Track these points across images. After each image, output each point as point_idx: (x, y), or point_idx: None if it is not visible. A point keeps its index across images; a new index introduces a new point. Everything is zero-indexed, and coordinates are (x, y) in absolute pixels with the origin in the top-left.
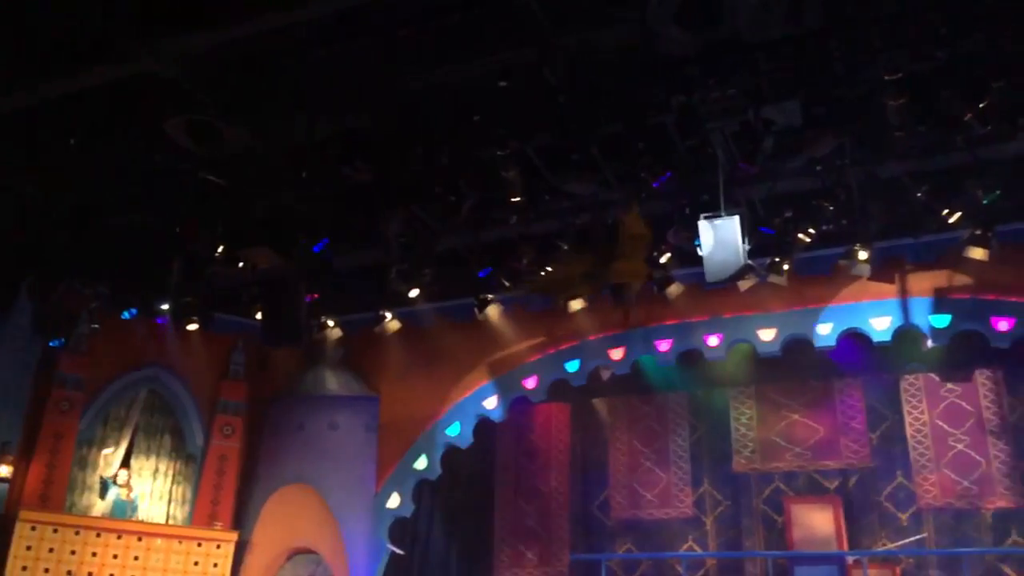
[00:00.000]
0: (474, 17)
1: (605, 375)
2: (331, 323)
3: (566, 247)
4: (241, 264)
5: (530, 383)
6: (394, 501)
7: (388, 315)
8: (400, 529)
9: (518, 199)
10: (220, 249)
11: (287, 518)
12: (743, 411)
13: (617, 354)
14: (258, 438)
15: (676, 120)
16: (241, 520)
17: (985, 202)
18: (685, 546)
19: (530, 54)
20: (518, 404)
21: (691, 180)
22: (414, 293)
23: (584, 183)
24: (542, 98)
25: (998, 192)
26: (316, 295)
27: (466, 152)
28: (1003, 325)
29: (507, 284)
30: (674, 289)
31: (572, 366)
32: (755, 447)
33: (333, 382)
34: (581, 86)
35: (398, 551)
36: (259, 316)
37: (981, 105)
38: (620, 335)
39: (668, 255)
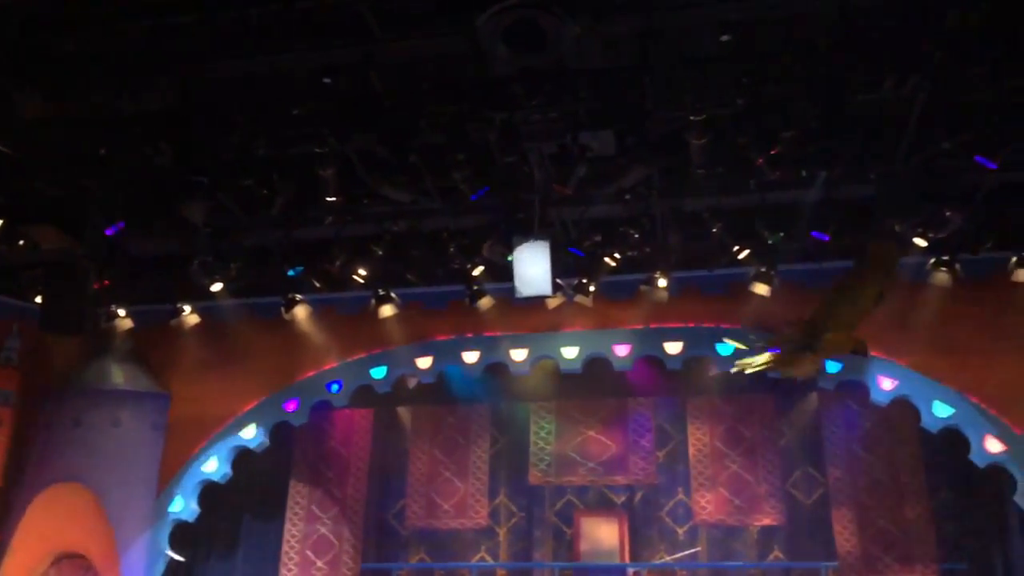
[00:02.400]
0: (301, 10)
1: (411, 383)
2: (122, 312)
3: (381, 252)
4: (22, 242)
5: (334, 387)
6: (177, 505)
7: (187, 308)
8: (183, 534)
9: (334, 199)
10: None
11: (54, 520)
12: (543, 425)
13: (424, 363)
14: (30, 433)
15: (497, 136)
16: (2, 521)
17: (770, 242)
18: (477, 556)
19: (357, 54)
20: (320, 409)
21: (508, 197)
22: (217, 287)
23: (402, 190)
24: (366, 100)
25: (781, 234)
26: (107, 282)
27: (283, 146)
28: None
29: (317, 284)
30: (485, 302)
31: (378, 372)
32: (551, 461)
33: (119, 376)
34: (405, 92)
35: (178, 557)
36: (39, 300)
37: (772, 152)
38: (427, 344)
39: (481, 268)
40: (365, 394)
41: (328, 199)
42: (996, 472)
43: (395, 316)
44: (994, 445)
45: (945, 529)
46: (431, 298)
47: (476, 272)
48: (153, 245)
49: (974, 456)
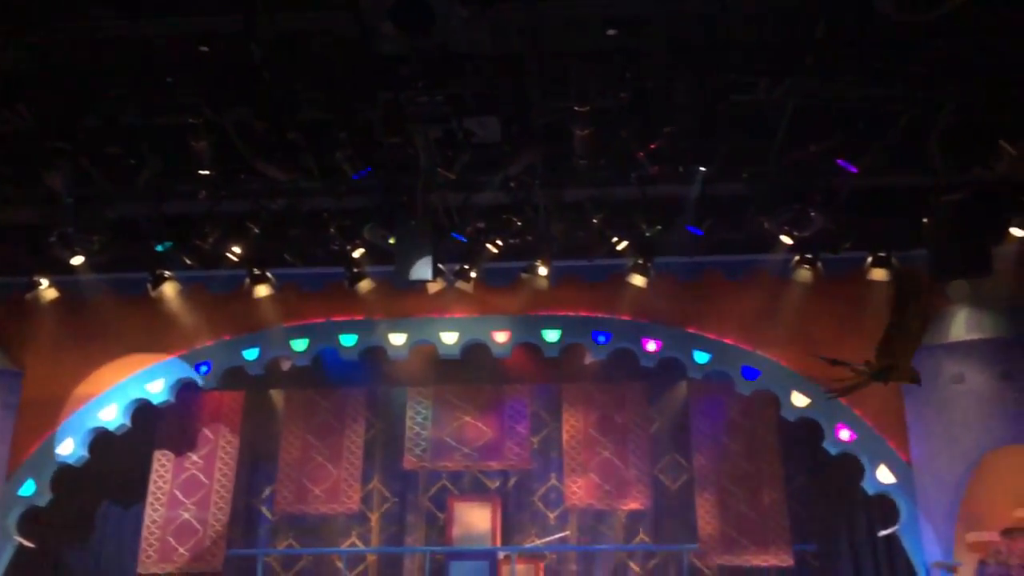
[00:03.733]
0: None
1: (285, 366)
2: None
3: (257, 230)
4: None
5: (202, 368)
6: (28, 488)
7: (44, 282)
8: (34, 519)
9: (207, 173)
10: None
11: None
12: (419, 410)
13: (299, 345)
14: None
15: (381, 117)
16: None
17: (648, 235)
18: (348, 542)
19: (237, 23)
20: (187, 390)
21: (391, 179)
22: (77, 260)
23: (281, 167)
24: (245, 72)
25: (659, 227)
26: None
27: (154, 114)
28: (651, 346)
29: (188, 261)
30: (364, 285)
31: (251, 354)
32: (427, 446)
33: None
34: (287, 66)
35: (27, 543)
36: None
37: (652, 147)
38: (303, 326)
39: (361, 251)
40: (236, 376)
41: (201, 172)
42: (847, 459)
43: (270, 296)
44: (845, 434)
45: (798, 513)
46: (309, 279)
47: (356, 254)
48: (9, 214)
49: (827, 444)
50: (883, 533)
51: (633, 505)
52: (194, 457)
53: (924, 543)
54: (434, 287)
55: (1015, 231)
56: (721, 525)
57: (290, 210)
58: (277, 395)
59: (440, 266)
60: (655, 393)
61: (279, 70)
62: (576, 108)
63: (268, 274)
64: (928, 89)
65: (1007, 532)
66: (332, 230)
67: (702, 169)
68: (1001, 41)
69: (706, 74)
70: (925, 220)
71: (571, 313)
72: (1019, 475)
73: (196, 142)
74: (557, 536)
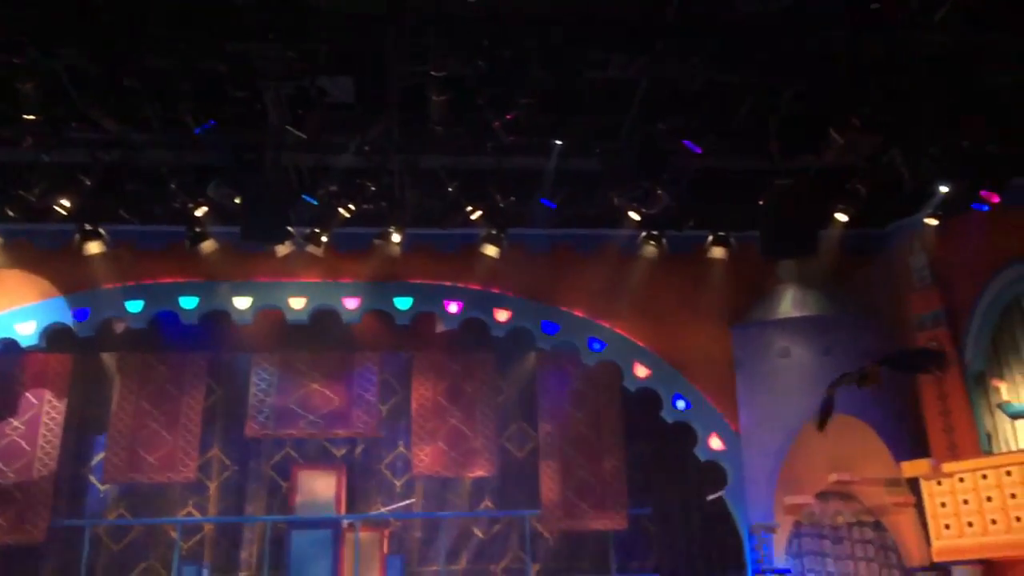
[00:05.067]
0: None
1: (119, 328)
2: None
3: (89, 183)
4: None
5: (25, 328)
6: None
7: None
8: None
9: (33, 118)
10: None
11: None
12: (264, 376)
13: (135, 307)
14: None
15: (229, 69)
16: None
17: (502, 206)
18: (184, 511)
19: None
20: (8, 352)
21: (238, 135)
22: None
23: (117, 116)
24: (80, 12)
25: (513, 198)
26: None
27: None
28: (502, 316)
29: (11, 214)
30: (208, 246)
31: (80, 315)
32: (271, 413)
33: None
34: (128, 9)
35: None
36: None
37: (508, 117)
38: (138, 287)
39: (205, 209)
40: (63, 337)
41: (26, 117)
42: (682, 428)
43: (103, 254)
44: (682, 403)
45: (636, 478)
46: (146, 237)
47: (199, 213)
48: None
49: (665, 413)
50: (711, 497)
51: (479, 473)
52: (15, 423)
53: (748, 506)
54: (283, 250)
55: (839, 216)
56: (563, 491)
57: (126, 163)
58: (109, 359)
59: (290, 228)
60: (504, 363)
61: (119, 12)
62: (433, 73)
63: (100, 230)
64: (769, 78)
65: (821, 495)
66: (173, 186)
67: (557, 143)
68: (837, 36)
69: (561, 48)
70: (760, 202)
71: (423, 281)
72: (834, 442)
73: (22, 84)
74: (403, 504)
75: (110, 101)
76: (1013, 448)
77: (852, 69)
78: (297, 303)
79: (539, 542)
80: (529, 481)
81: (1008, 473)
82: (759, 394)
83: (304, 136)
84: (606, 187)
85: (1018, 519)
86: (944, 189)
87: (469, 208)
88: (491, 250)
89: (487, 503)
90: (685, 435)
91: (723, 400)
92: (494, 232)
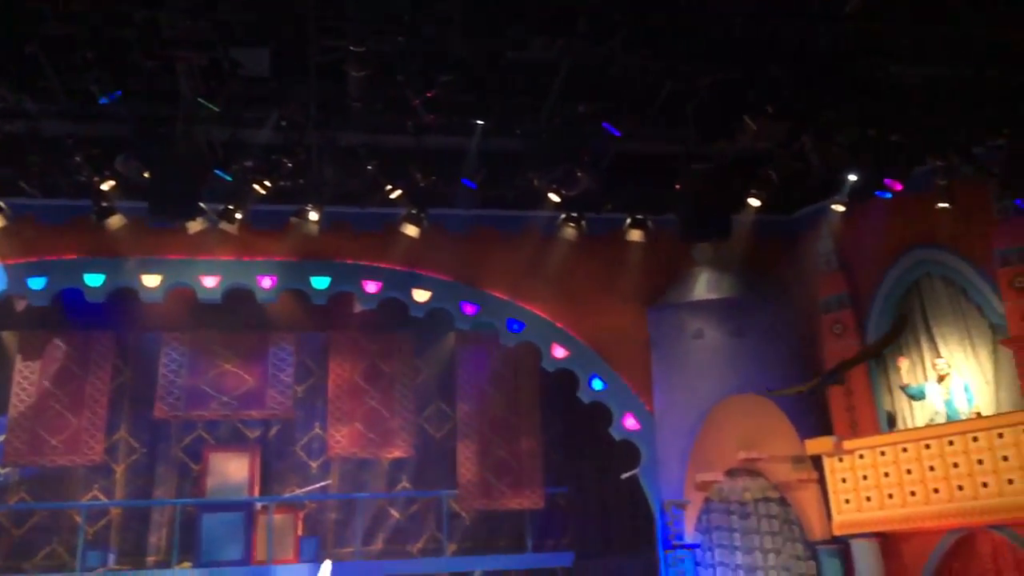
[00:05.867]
0: None
1: (19, 306)
2: None
3: None
4: None
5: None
6: None
7: None
8: None
9: None
10: None
11: None
12: (174, 357)
13: (37, 284)
14: None
15: (137, 37)
16: None
17: (422, 185)
18: (89, 495)
19: None
20: None
21: (148, 107)
22: None
23: (17, 85)
24: None
25: (433, 178)
26: None
27: None
28: (421, 296)
29: None
30: (115, 221)
31: None
32: (181, 394)
33: None
34: None
35: None
36: None
37: (428, 95)
38: (41, 263)
39: (112, 183)
40: None
41: None
42: (598, 408)
43: (3, 229)
44: (598, 383)
45: (553, 458)
46: (50, 212)
47: (105, 187)
48: None
49: (581, 393)
50: (625, 475)
51: (397, 453)
52: None
53: (660, 484)
54: (195, 226)
55: (752, 201)
56: (480, 471)
57: (29, 134)
58: (10, 337)
59: (202, 204)
60: (423, 343)
61: None
62: (352, 48)
63: (1, 204)
64: (686, 63)
65: (730, 472)
66: (78, 159)
67: (479, 123)
68: (751, 23)
69: (483, 25)
70: (677, 186)
71: (341, 260)
72: (743, 421)
73: None
74: (318, 485)
75: (10, 69)
76: (911, 426)
77: (765, 57)
78: (210, 281)
79: (456, 522)
80: (447, 461)
81: (904, 450)
82: (673, 374)
83: (217, 109)
84: (527, 168)
85: (913, 493)
86: (852, 177)
87: (389, 187)
88: (411, 230)
89: (404, 484)
90: (601, 415)
91: (638, 380)
92: (414, 212)
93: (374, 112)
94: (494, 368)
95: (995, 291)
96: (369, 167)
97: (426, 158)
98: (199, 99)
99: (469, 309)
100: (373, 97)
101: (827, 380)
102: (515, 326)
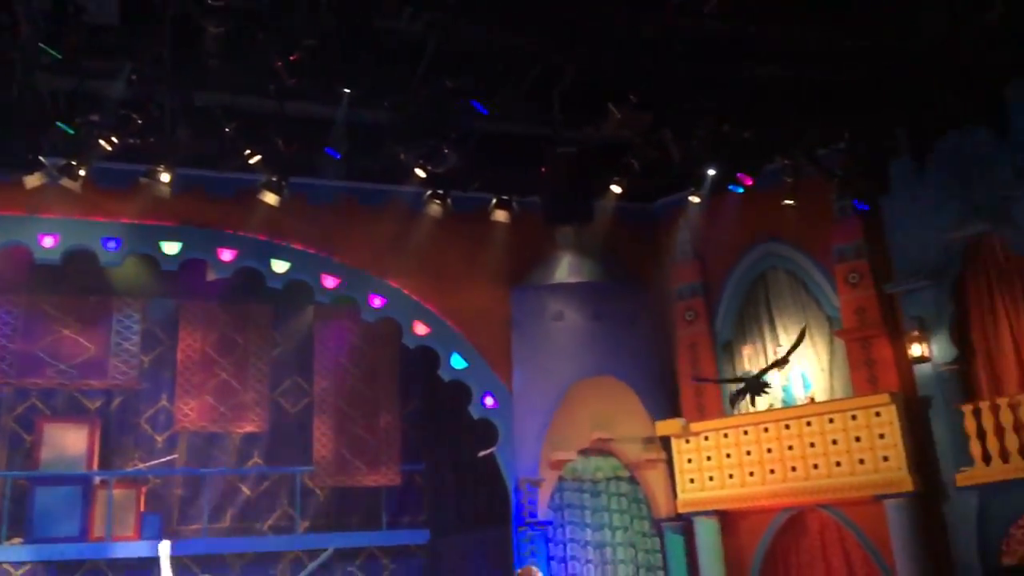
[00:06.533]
0: None
1: None
2: None
3: None
4: None
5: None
6: None
7: None
8: None
9: None
10: None
11: None
12: (7, 320)
13: None
14: None
15: None
16: None
17: (283, 152)
18: None
19: None
20: None
21: None
22: None
23: None
24: None
25: (296, 145)
26: None
27: None
28: (280, 267)
29: None
30: None
31: None
32: (14, 360)
33: None
34: None
35: None
36: None
37: (292, 58)
38: None
39: None
40: None
41: None
42: (458, 385)
43: None
44: (459, 362)
45: (411, 435)
46: None
47: None
48: None
49: (442, 371)
50: (483, 454)
51: (249, 428)
52: None
53: (517, 462)
54: (32, 181)
55: (615, 188)
56: (336, 447)
57: None
58: None
59: (42, 159)
60: (281, 315)
61: None
62: (210, 2)
63: None
64: (554, 47)
65: (584, 452)
66: None
67: (347, 91)
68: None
69: None
70: (543, 169)
71: (194, 226)
72: (598, 402)
73: None
74: (163, 460)
75: None
76: (752, 411)
77: (630, 47)
78: (48, 241)
79: (309, 499)
80: (302, 437)
81: (745, 432)
82: (533, 355)
83: (59, 56)
84: (393, 141)
85: (751, 474)
86: (711, 172)
87: (248, 152)
88: (270, 198)
89: (256, 460)
90: (461, 393)
91: (499, 360)
92: (274, 179)
93: (234, 72)
94: (354, 343)
95: (832, 285)
96: (227, 129)
97: (289, 124)
98: (40, 44)
99: (329, 282)
100: (233, 56)
101: (748, 391)
102: (377, 301)
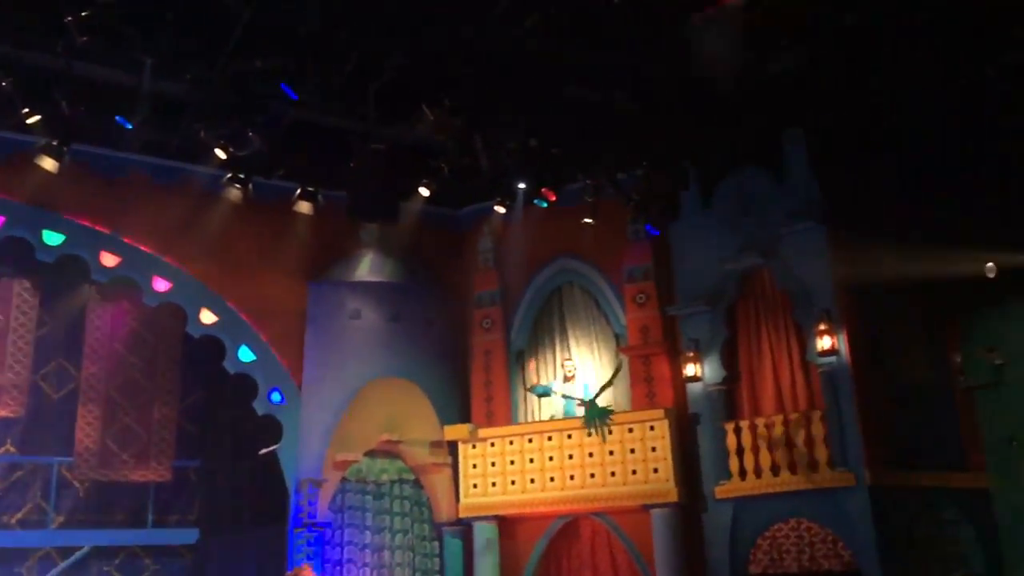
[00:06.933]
0: None
1: None
2: None
3: None
4: None
5: None
6: None
7: None
8: None
9: None
10: None
11: None
12: None
13: None
14: None
15: None
16: None
17: (67, 115)
18: None
19: None
20: None
21: None
22: None
23: None
24: None
25: (83, 109)
26: None
27: None
28: (53, 240)
29: None
30: None
31: None
32: None
33: None
34: None
35: None
36: None
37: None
38: None
39: None
40: None
41: None
42: (244, 379)
43: None
44: (247, 354)
45: (189, 429)
46: None
47: None
48: None
49: (228, 363)
50: (264, 451)
51: (3, 412)
52: None
53: (300, 461)
54: None
55: (423, 190)
56: (102, 438)
57: None
58: None
59: None
60: (51, 292)
61: None
62: None
63: None
64: (378, 40)
65: (370, 453)
66: None
67: (147, 60)
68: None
69: None
70: (351, 164)
71: None
72: (389, 404)
73: None
74: None
75: None
76: (538, 419)
77: (450, 51)
78: None
79: (66, 492)
80: (63, 425)
81: (529, 440)
82: (327, 352)
83: None
84: (193, 118)
85: (532, 481)
86: (522, 185)
87: (26, 111)
88: (48, 163)
89: (9, 447)
90: (246, 387)
91: (290, 354)
92: (54, 143)
93: (17, 23)
94: (132, 328)
95: (621, 304)
96: (3, 84)
97: (77, 86)
98: None
99: (109, 260)
100: (15, 5)
101: (594, 417)
102: (161, 284)
